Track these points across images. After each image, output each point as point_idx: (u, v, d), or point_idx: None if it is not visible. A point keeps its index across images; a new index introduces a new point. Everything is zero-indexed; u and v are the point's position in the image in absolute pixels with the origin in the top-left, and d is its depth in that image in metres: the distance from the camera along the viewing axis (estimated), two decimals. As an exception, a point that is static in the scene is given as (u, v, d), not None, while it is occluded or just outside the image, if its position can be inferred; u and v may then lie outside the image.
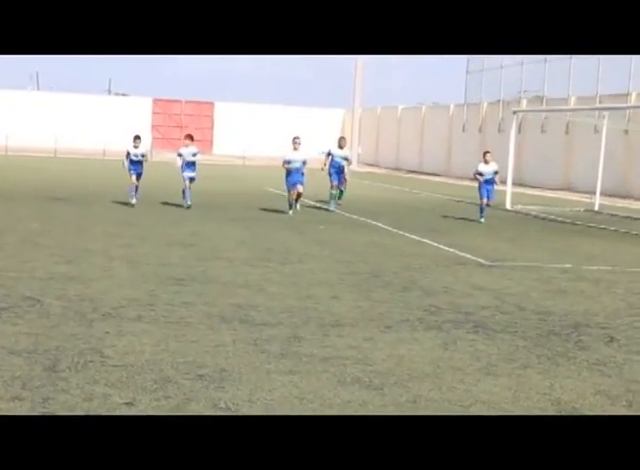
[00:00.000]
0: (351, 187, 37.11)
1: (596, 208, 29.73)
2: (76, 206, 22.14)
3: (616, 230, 22.92)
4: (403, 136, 61.98)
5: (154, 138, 67.44)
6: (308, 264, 13.68)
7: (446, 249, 16.59)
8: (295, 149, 22.37)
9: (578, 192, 36.43)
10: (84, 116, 68.74)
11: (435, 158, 56.76)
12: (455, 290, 12.05)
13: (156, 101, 71.53)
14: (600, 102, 39.18)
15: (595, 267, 15.10)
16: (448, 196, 33.97)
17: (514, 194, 29.84)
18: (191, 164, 22.57)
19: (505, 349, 8.79)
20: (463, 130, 54.10)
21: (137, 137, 22.96)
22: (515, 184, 31.47)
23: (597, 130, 33.97)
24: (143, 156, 22.83)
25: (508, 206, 28.65)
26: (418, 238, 18.15)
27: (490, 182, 22.80)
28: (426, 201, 31.19)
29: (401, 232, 18.85)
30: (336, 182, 24.50)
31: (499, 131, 48.41)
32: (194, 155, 22.67)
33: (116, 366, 7.40)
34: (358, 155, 59.43)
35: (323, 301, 10.74)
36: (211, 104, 72.35)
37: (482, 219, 22.68)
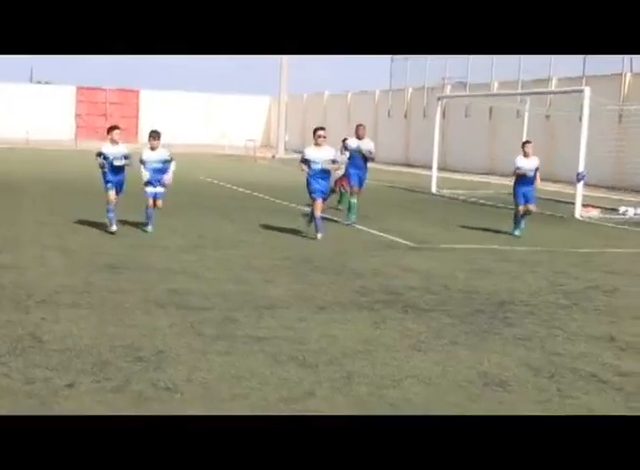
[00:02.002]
0: (283, 174, 37.31)
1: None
2: (3, 195, 21.93)
3: (539, 213, 23.51)
4: (330, 123, 62.38)
5: (78, 127, 66.71)
6: (242, 250, 13.87)
7: (377, 233, 16.92)
8: (317, 144, 15.71)
9: (502, 176, 37.12)
10: (6, 104, 67.64)
11: (362, 144, 57.27)
12: (385, 272, 12.36)
13: (79, 89, 70.68)
14: (522, 87, 39.94)
15: (519, 248, 15.55)
16: (377, 181, 34.36)
17: (439, 178, 30.35)
18: (159, 171, 15.64)
19: (434, 326, 9.11)
20: (389, 116, 54.64)
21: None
22: (440, 169, 31.99)
23: (519, 115, 34.67)
24: (126, 158, 15.15)
25: (434, 190, 29.17)
26: (348, 223, 18.42)
27: (530, 182, 17.43)
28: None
29: (333, 218, 19.12)
30: (356, 186, 18.59)
31: (424, 117, 49.02)
32: (164, 162, 15.73)
33: (55, 351, 7.53)
34: (285, 142, 59.58)
35: (257, 285, 10.96)
36: (136, 92, 71.77)
37: (517, 232, 17.34)
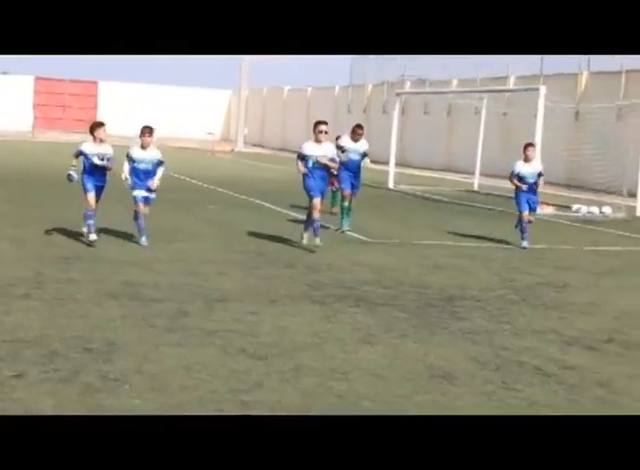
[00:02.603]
0: (241, 167, 37.29)
1: (475, 188, 30.65)
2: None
3: (493, 209, 23.75)
4: (289, 117, 62.37)
5: (36, 118, 66.05)
6: (196, 243, 13.89)
7: (332, 227, 16.99)
8: (317, 140, 14.07)
9: (460, 172, 37.41)
10: (-38, 95, 66.88)
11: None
12: (339, 266, 12.46)
13: (38, 80, 70.01)
14: (480, 85, 40.23)
15: (473, 244, 15.73)
16: (334, 176, 34.46)
17: (398, 174, 30.50)
18: (147, 174, 13.57)
19: (384, 320, 9.22)
20: (348, 111, 54.76)
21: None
22: (399, 165, 32.16)
23: (477, 112, 34.93)
24: (108, 159, 13.23)
25: (391, 185, 29.33)
26: (304, 217, 18.48)
27: (533, 189, 15.80)
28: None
29: (287, 212, 19.18)
30: (348, 190, 17.11)
31: (383, 112, 49.18)
32: (155, 164, 13.62)
33: (5, 342, 7.53)
34: (244, 136, 59.52)
35: (210, 277, 11.00)
36: (95, 83, 71.24)
37: (525, 242, 15.62)
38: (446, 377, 7.28)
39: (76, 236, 13.85)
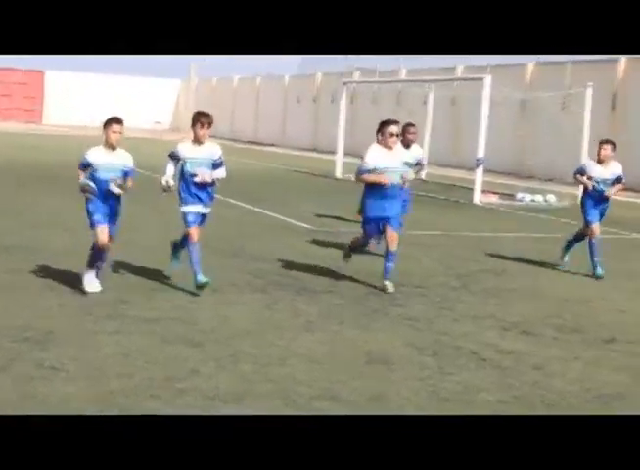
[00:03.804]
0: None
1: (423, 176, 30.81)
2: None
3: (439, 198, 23.92)
4: (239, 107, 62.20)
5: (-20, 107, 65.17)
6: (140, 233, 13.82)
7: (277, 217, 17.03)
8: (388, 146, 10.30)
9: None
10: None
11: (271, 128, 57.23)
12: (283, 255, 12.48)
13: (-18, 69, 69.01)
14: (428, 75, 40.40)
15: (418, 232, 15.82)
16: (283, 166, 34.48)
17: (347, 164, 30.55)
18: (203, 188, 9.69)
19: (324, 308, 9.27)
20: (298, 101, 54.75)
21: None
22: (348, 154, 32.24)
23: (425, 102, 35.10)
24: (127, 174, 9.29)
25: (338, 175, 29.40)
26: (252, 207, 18.51)
27: (604, 197, 12.22)
28: (262, 171, 31.56)
29: (236, 202, 19.14)
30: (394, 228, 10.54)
31: (332, 102, 49.25)
32: (216, 165, 9.73)
33: (-60, 332, 7.46)
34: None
35: (152, 267, 10.95)
36: (41, 73, 70.38)
37: (567, 257, 12.69)
38: (384, 363, 7.35)
39: (20, 224, 13.69)
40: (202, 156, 9.57)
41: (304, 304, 9.40)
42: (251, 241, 13.66)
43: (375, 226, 10.46)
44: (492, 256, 13.43)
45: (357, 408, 6.17)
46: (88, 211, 9.19)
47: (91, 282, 9.25)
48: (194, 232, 9.61)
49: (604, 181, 12.18)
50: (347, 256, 11.18)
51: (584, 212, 12.31)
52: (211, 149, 9.71)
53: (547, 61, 36.10)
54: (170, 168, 9.73)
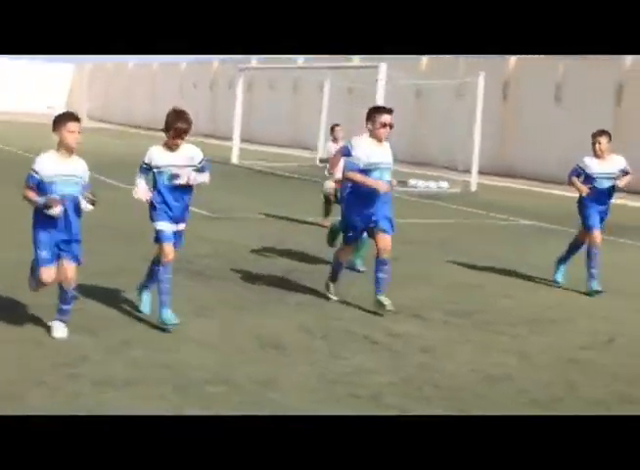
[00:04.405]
0: (84, 143, 36.53)
1: (318, 162, 31.01)
2: None
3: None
4: (135, 92, 61.41)
5: None
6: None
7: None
8: (378, 138, 9.01)
9: (306, 148, 37.71)
10: None
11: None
12: (177, 241, 12.41)
13: None
14: (325, 62, 40.56)
15: (311, 217, 15.93)
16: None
17: (243, 150, 30.54)
18: (181, 199, 8.19)
19: (219, 293, 9.28)
20: (194, 87, 54.36)
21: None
22: (245, 141, 32.22)
23: (322, 89, 35.25)
24: (83, 188, 7.41)
25: (235, 161, 29.35)
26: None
27: (606, 196, 10.81)
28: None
29: (132, 187, 18.93)
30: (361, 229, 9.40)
31: (229, 88, 49.06)
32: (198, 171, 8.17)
33: None
34: (87, 110, 58.27)
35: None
36: None
37: (596, 283, 10.60)
38: (276, 347, 7.41)
39: None
40: (179, 163, 7.92)
41: (199, 289, 9.40)
42: (147, 227, 13.50)
43: (359, 233, 9.22)
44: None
45: (249, 393, 6.23)
46: (36, 240, 7.27)
47: (59, 328, 7.35)
48: (169, 249, 7.91)
49: (608, 176, 10.64)
50: (330, 284, 9.53)
51: (583, 217, 10.78)
52: (190, 153, 8.02)
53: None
54: (142, 183, 7.99)
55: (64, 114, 7.46)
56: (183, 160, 7.92)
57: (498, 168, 31.29)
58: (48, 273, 7.29)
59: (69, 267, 7.30)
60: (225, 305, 8.81)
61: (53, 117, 7.31)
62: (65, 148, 7.24)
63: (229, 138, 30.80)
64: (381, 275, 9.00)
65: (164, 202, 7.92)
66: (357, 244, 9.93)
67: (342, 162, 9.44)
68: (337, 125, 16.10)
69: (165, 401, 5.92)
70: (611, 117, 28.52)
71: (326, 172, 14.40)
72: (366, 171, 8.80)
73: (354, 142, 8.95)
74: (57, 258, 7.27)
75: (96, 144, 35.07)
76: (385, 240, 8.96)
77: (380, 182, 8.79)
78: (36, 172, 7.15)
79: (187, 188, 8.03)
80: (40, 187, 7.14)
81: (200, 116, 52.54)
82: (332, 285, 9.50)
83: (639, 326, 9.22)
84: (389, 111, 8.97)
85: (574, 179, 10.72)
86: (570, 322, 9.12)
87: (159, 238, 7.98)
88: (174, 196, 7.98)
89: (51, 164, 7.18)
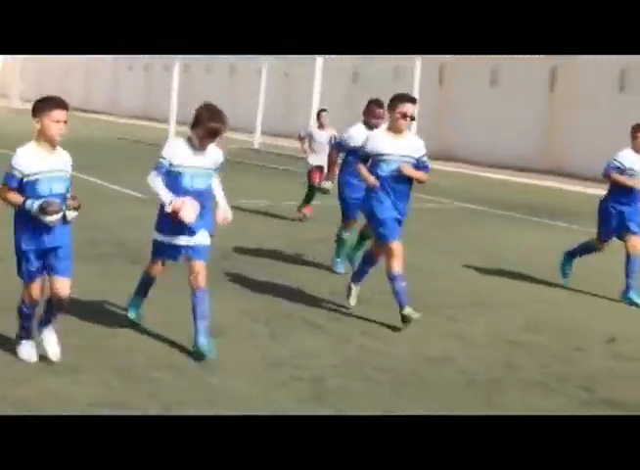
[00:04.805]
0: (14, 124, 35.96)
1: (256, 146, 30.97)
2: None
3: (271, 167, 24.05)
4: (70, 73, 60.58)
5: None
6: None
7: (108, 185, 16.77)
8: (398, 130, 8.03)
9: (242, 131, 37.59)
10: None
11: (102, 96, 56.06)
12: (115, 224, 12.34)
13: None
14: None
15: (245, 201, 15.84)
16: (116, 134, 33.84)
17: (181, 133, 30.30)
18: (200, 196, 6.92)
19: (161, 278, 9.18)
20: (129, 69, 53.80)
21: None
22: (181, 123, 31.95)
23: (259, 72, 35.14)
24: (67, 190, 6.28)
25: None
26: (83, 176, 18.08)
27: (636, 196, 9.68)
28: (93, 138, 30.88)
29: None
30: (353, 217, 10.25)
31: (165, 70, 48.66)
32: (206, 176, 7.08)
33: None
34: (20, 91, 57.29)
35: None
36: None
37: (565, 279, 10.22)
38: (219, 331, 7.39)
39: None
40: (205, 165, 6.94)
41: (138, 273, 9.30)
42: (82, 210, 13.35)
43: (394, 225, 8.02)
44: (324, 223, 13.60)
45: (192, 378, 6.22)
46: (20, 250, 6.16)
47: (25, 344, 6.43)
48: (158, 267, 7.30)
49: None
50: (353, 287, 8.58)
51: (604, 220, 9.76)
52: (215, 155, 7.10)
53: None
54: (160, 185, 6.79)
55: (48, 98, 6.16)
56: (209, 162, 6.96)
57: (435, 151, 31.52)
58: (38, 289, 6.27)
59: (63, 284, 6.19)
60: (166, 290, 8.74)
61: (34, 101, 6.16)
62: (47, 140, 6.07)
63: (164, 120, 30.57)
64: (401, 284, 8.02)
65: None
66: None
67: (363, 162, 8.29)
68: (323, 111, 14.97)
69: (107, 387, 5.89)
70: (545, 101, 28.93)
71: (308, 162, 14.50)
72: (375, 160, 7.98)
73: (373, 137, 8.13)
74: (44, 271, 6.22)
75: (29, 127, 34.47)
76: (399, 248, 8.10)
77: (364, 172, 8.02)
78: (17, 170, 5.97)
79: (207, 194, 6.95)
80: (22, 187, 5.99)
81: (135, 98, 52.12)
82: (354, 288, 8.52)
83: (579, 308, 9.38)
84: (412, 100, 8.03)
85: (617, 176, 9.56)
86: (510, 305, 9.24)
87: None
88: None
89: (33, 159, 6.00)
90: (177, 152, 6.79)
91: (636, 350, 7.87)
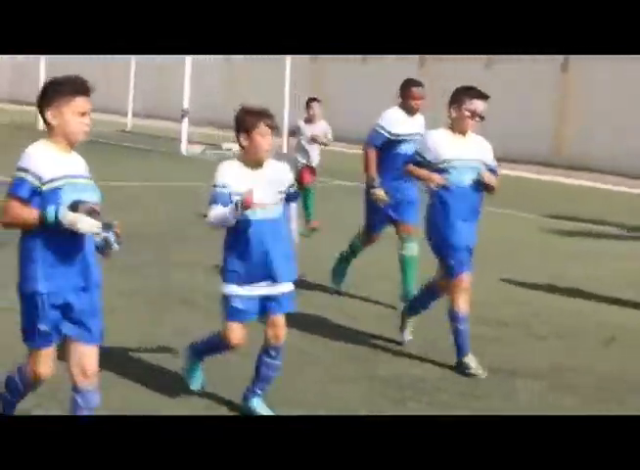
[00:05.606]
0: None
1: (129, 128, 30.77)
2: None
3: (147, 149, 23.90)
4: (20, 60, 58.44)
5: None
6: None
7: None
8: (454, 127, 6.61)
9: (115, 113, 37.02)
10: None
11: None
12: None
13: None
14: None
15: (126, 184, 15.81)
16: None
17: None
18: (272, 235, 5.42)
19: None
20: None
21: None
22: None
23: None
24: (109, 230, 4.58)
25: (41, 127, 28.60)
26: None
27: None
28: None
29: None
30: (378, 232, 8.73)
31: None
32: (289, 197, 5.64)
33: None
34: None
35: None
36: None
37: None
38: (110, 312, 7.46)
39: None
40: (264, 186, 5.35)
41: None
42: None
43: (466, 255, 6.65)
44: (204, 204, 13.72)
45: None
46: (32, 295, 4.42)
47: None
48: (237, 330, 5.48)
49: None
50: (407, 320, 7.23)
51: None
52: (279, 171, 5.54)
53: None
54: (216, 209, 5.39)
55: (67, 81, 4.51)
56: (269, 182, 5.37)
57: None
58: (49, 361, 4.52)
59: (88, 353, 4.50)
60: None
61: (42, 86, 4.56)
62: (67, 138, 4.53)
63: (31, 103, 29.83)
64: (463, 327, 6.61)
65: (244, 249, 5.35)
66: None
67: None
68: (314, 100, 12.42)
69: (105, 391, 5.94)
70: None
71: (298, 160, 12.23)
72: (440, 170, 6.56)
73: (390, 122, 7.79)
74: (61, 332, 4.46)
75: None
76: (467, 281, 6.68)
77: (436, 175, 6.56)
78: (31, 174, 4.36)
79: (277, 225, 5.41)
80: (34, 200, 4.37)
81: None
82: (409, 321, 7.18)
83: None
84: (483, 96, 6.60)
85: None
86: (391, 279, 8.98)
87: (227, 312, 5.48)
88: (258, 239, 5.34)
89: (50, 163, 4.43)
90: (231, 177, 5.39)
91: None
